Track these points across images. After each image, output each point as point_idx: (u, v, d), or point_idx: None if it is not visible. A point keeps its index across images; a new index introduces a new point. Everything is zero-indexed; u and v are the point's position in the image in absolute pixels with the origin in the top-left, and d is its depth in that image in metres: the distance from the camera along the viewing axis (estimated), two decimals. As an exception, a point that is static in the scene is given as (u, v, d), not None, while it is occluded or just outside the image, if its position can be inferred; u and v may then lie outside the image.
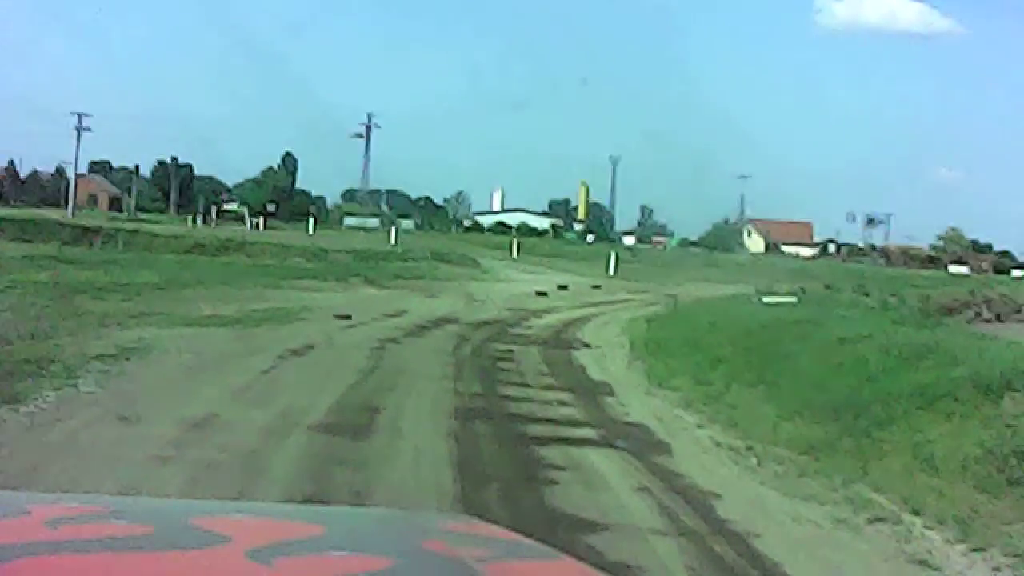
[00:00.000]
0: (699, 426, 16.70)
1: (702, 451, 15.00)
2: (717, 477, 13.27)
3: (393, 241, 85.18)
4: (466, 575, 2.41)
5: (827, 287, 46.15)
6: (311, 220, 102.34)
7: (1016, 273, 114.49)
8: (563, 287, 52.87)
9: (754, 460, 14.18)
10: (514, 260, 79.78)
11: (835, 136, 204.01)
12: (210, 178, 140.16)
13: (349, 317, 30.22)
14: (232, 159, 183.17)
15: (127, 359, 18.88)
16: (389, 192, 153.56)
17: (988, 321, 49.52)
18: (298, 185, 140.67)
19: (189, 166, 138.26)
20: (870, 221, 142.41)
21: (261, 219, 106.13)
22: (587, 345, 28.13)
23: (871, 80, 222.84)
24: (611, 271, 69.01)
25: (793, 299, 32.91)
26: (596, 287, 55.80)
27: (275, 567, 2.25)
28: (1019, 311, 51.34)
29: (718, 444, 15.33)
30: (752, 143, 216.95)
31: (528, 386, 20.01)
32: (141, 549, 2.34)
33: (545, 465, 13.16)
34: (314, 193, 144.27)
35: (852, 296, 40.21)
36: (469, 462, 12.98)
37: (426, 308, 36.70)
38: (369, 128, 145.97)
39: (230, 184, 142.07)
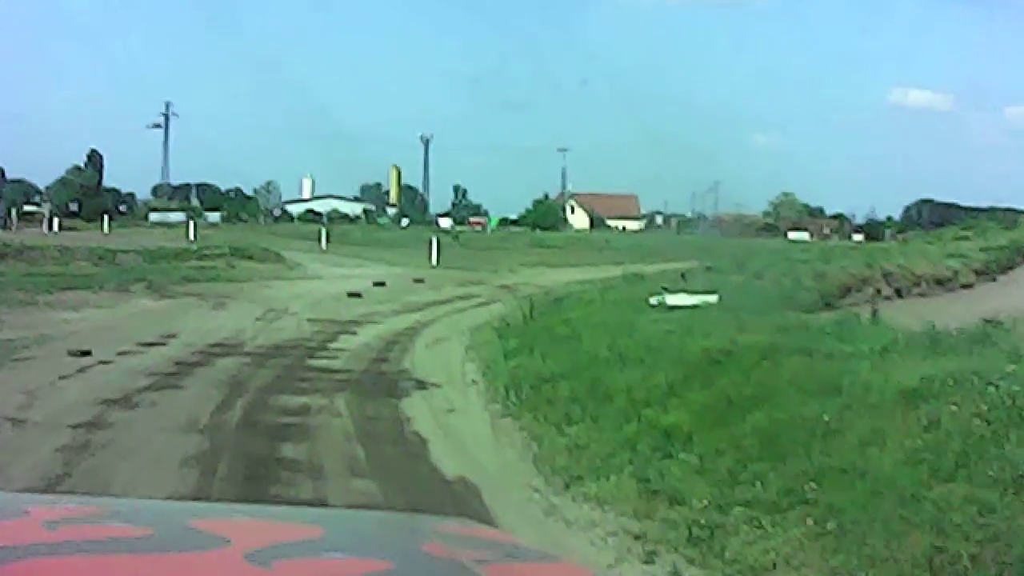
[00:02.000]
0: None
1: None
2: None
3: (191, 236, 74.21)
4: None
5: (709, 269, 36.90)
6: (106, 218, 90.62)
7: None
8: (380, 284, 42.80)
9: None
10: (323, 252, 69.23)
11: (652, 107, 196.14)
12: (20, 181, 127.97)
13: (89, 353, 20.58)
14: (48, 160, 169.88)
15: None
16: (199, 185, 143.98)
17: (889, 299, 41.62)
18: (111, 183, 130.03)
19: (0, 169, 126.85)
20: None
21: (55, 220, 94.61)
22: (422, 385, 18.44)
23: (680, 50, 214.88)
24: (433, 259, 58.79)
25: (712, 298, 23.23)
26: (419, 281, 45.70)
27: (273, 569, 2.15)
28: (918, 284, 43.28)
29: None
30: (568, 118, 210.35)
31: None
32: (140, 551, 2.24)
33: None
34: (125, 189, 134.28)
35: (757, 283, 31.11)
36: None
37: (204, 327, 26.61)
38: (167, 118, 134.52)
39: (42, 186, 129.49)
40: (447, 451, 13.09)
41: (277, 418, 14.98)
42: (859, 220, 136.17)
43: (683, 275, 33.35)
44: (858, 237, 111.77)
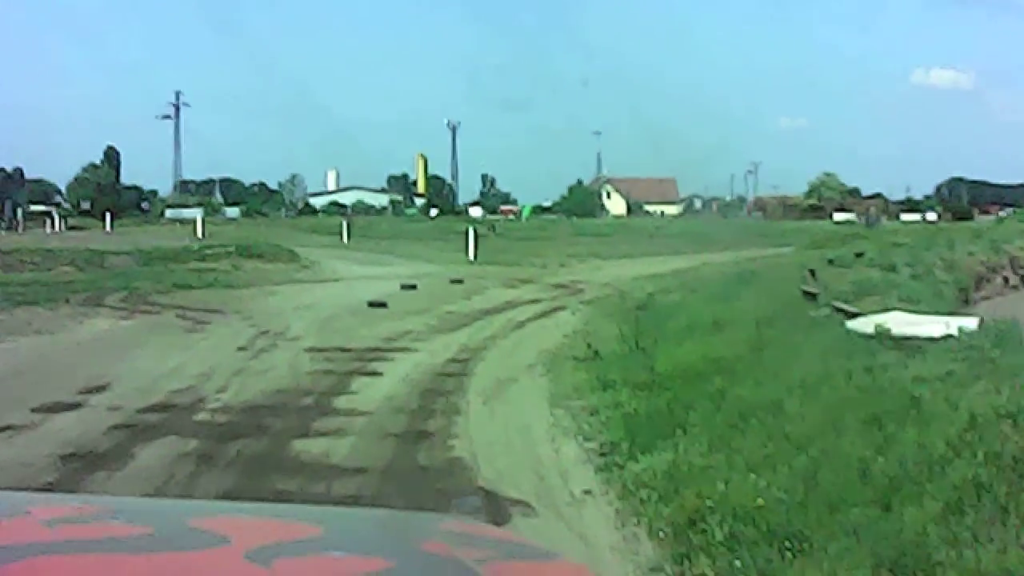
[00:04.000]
0: None
1: None
2: None
3: (200, 234, 65.65)
4: None
5: (831, 262, 28.05)
6: (108, 216, 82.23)
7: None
8: (410, 287, 33.92)
9: None
10: (345, 247, 60.36)
11: (678, 92, 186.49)
12: (39, 180, 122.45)
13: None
14: (69, 158, 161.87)
15: None
16: (223, 180, 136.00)
17: (1016, 288, 33.51)
18: (136, 180, 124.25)
19: (19, 169, 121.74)
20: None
21: (58, 219, 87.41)
22: (496, 508, 9.50)
23: (704, 34, 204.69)
24: (470, 254, 49.67)
25: (970, 323, 13.69)
26: (457, 281, 36.52)
27: (274, 568, 2.05)
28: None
29: None
30: (594, 105, 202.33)
31: None
32: (140, 550, 2.15)
33: None
34: (148, 187, 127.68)
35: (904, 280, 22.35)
36: None
37: (159, 368, 17.93)
38: (178, 108, 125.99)
39: (62, 185, 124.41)
40: None
41: None
42: (895, 199, 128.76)
43: (812, 272, 24.33)
44: (931, 216, 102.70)
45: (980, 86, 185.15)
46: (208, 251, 50.82)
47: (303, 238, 64.51)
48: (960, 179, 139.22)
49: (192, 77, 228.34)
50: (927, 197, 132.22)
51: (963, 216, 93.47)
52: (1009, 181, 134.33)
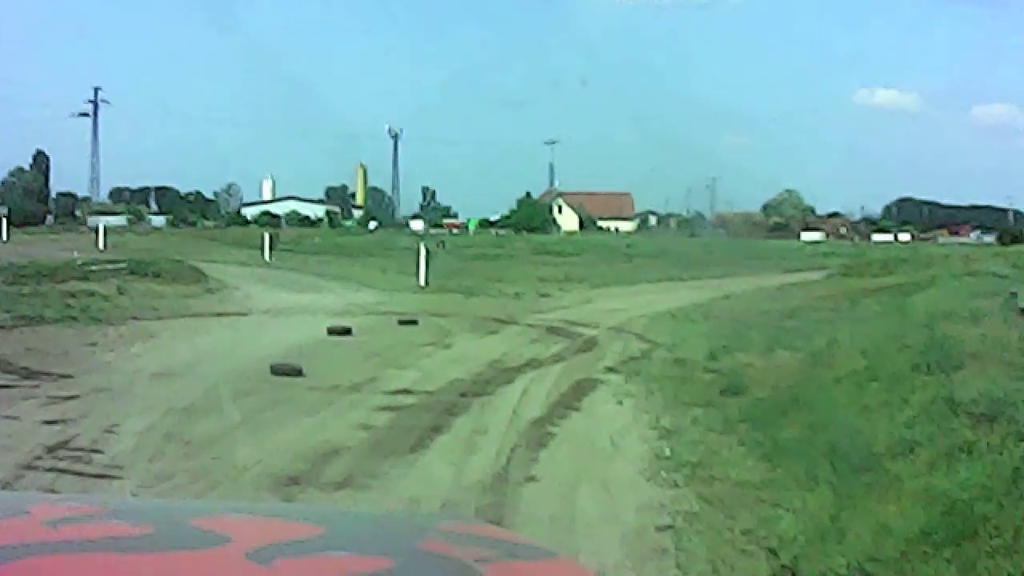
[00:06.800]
0: None
1: None
2: None
3: (101, 245, 54.13)
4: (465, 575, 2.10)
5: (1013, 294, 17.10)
6: (4, 224, 70.44)
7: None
8: (343, 331, 22.55)
9: None
10: (267, 264, 48.59)
11: (626, 105, 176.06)
12: None
13: None
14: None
15: None
16: (158, 188, 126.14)
17: None
18: (70, 187, 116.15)
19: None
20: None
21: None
22: None
23: (643, 48, 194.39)
24: (422, 278, 37.83)
25: None
26: (409, 322, 24.94)
27: (274, 567, 1.96)
28: None
29: None
30: (543, 116, 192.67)
31: None
32: (140, 549, 2.06)
33: None
34: (82, 194, 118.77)
35: None
36: None
37: None
38: (96, 105, 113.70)
39: None
40: None
41: None
42: (853, 219, 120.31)
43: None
44: (904, 236, 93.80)
45: (926, 108, 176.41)
46: (94, 268, 38.91)
47: (222, 252, 53.11)
48: (910, 199, 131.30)
49: (149, 88, 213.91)
50: (883, 217, 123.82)
51: (1016, 238, 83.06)
52: (956, 202, 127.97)
